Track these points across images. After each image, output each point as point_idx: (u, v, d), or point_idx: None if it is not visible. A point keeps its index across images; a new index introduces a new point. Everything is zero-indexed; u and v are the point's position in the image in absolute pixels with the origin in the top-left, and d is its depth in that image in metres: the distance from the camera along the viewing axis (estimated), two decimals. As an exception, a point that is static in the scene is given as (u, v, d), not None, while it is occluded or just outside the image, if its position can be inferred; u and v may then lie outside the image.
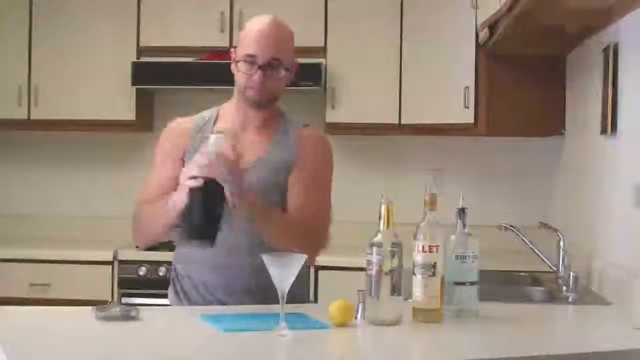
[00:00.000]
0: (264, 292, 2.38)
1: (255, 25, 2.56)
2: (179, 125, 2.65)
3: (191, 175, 2.29)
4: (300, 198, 2.52)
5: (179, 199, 2.35)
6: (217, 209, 2.30)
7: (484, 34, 3.89)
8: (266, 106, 2.57)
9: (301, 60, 4.42)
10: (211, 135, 2.35)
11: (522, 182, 4.77)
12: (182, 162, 2.54)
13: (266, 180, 2.50)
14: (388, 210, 2.24)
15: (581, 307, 2.87)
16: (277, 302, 2.11)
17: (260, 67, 2.50)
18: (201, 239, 2.33)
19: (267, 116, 2.59)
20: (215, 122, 2.61)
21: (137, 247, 2.69)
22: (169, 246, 2.87)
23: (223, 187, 2.29)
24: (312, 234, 2.51)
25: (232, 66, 2.58)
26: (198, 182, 2.28)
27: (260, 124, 2.59)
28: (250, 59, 2.51)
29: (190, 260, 2.56)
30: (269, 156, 2.55)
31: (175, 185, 2.51)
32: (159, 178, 2.57)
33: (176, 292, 2.61)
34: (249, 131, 2.58)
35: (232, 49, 2.60)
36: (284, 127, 2.61)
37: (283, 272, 2.08)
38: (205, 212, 2.29)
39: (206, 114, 2.66)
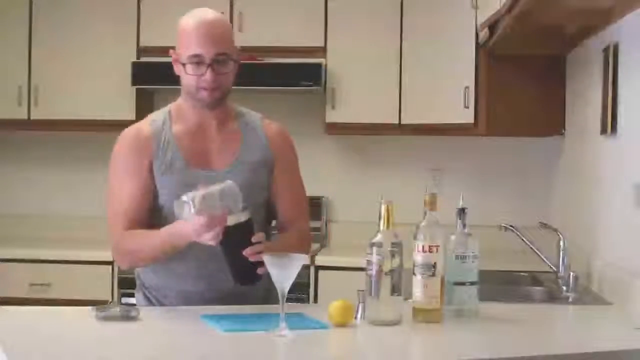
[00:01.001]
0: (247, 295, 2.42)
1: (192, 23, 2.46)
2: (137, 134, 2.54)
3: (209, 236, 2.23)
4: (292, 209, 2.55)
5: (178, 239, 2.33)
6: (250, 244, 2.27)
7: (484, 34, 3.88)
8: (219, 104, 2.51)
9: (301, 60, 4.49)
10: (189, 201, 2.21)
11: (522, 182, 4.77)
12: (151, 172, 2.48)
13: (248, 181, 2.45)
14: (388, 210, 2.24)
15: (581, 307, 2.86)
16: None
17: (209, 66, 2.42)
18: (253, 279, 2.31)
19: (222, 114, 2.53)
20: (171, 126, 2.53)
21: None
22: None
23: (247, 222, 2.27)
24: (300, 243, 2.51)
25: (175, 68, 2.50)
26: (219, 238, 2.24)
27: (218, 122, 2.53)
28: (197, 59, 2.43)
29: (169, 271, 2.50)
30: (244, 157, 2.51)
31: (146, 196, 2.45)
32: (130, 193, 2.47)
33: (147, 298, 2.58)
34: (210, 131, 2.52)
35: (170, 50, 2.51)
36: (243, 123, 2.57)
37: (283, 272, 2.08)
38: (243, 252, 2.28)
39: (158, 117, 2.57)
